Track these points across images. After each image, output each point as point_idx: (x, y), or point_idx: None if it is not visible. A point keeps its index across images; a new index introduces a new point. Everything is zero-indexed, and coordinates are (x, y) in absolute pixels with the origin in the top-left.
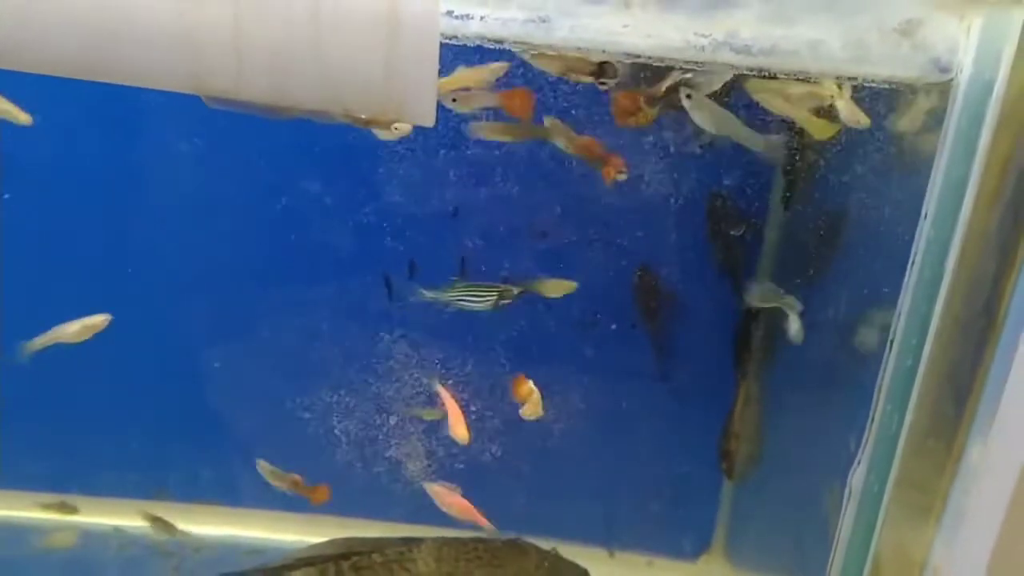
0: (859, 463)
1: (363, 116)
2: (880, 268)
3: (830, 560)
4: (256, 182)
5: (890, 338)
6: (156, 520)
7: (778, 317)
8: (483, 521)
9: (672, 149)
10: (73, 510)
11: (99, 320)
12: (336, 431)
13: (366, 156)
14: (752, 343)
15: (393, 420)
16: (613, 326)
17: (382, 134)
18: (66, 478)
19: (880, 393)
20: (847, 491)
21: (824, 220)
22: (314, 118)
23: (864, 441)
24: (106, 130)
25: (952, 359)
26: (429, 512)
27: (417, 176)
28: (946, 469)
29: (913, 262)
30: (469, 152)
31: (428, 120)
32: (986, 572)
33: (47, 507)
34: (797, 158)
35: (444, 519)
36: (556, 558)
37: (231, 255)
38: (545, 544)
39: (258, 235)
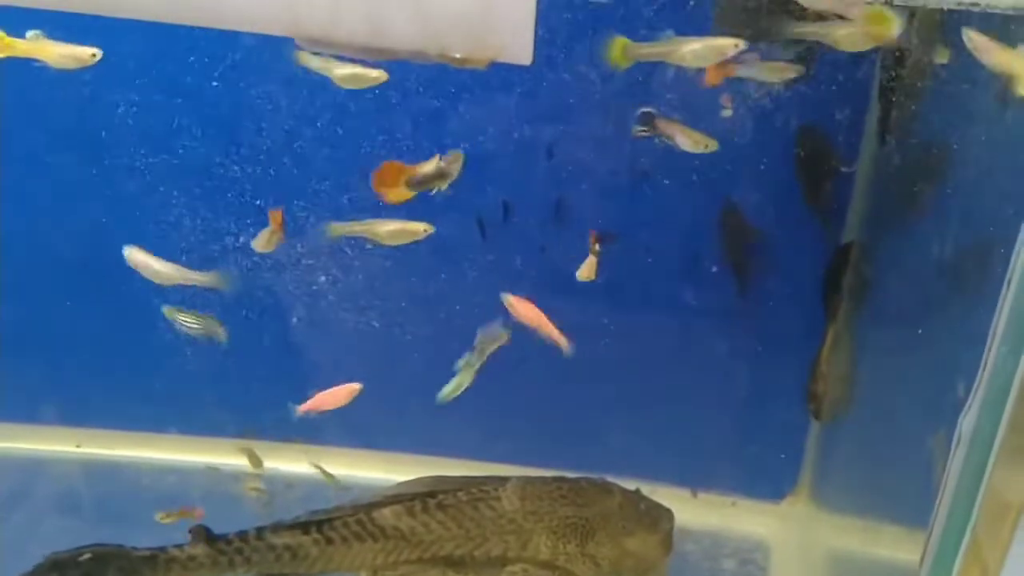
0: (970, 407)
1: (458, 56)
2: (993, 202)
3: (936, 505)
4: None
5: (1008, 276)
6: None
7: (870, 258)
8: (554, 329)
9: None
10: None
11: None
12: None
13: None
14: (842, 283)
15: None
16: (703, 265)
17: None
18: (162, 419)
19: (996, 334)
20: (956, 436)
21: (924, 152)
22: (409, 59)
23: (976, 384)
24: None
25: None
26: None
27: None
28: None
29: None
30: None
31: (525, 58)
32: None
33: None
34: (894, 85)
35: (530, 458)
36: (640, 498)
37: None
38: (629, 485)
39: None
